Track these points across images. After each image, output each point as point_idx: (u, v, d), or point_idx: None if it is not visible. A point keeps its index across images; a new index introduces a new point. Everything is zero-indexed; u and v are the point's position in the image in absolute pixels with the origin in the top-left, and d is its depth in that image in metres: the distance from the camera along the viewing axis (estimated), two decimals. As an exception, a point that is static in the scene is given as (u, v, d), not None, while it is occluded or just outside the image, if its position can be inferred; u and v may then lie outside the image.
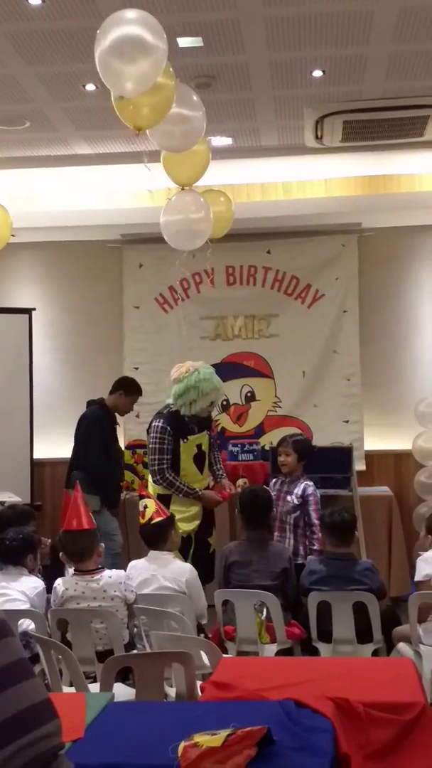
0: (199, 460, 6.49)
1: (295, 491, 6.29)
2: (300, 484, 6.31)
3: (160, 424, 6.40)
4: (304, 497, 6.23)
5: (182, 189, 5.59)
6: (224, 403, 8.97)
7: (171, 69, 4.41)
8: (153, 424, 6.50)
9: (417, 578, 5.18)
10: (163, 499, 6.16)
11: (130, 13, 4.02)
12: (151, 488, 6.45)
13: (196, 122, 4.85)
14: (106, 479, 7.44)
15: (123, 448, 8.30)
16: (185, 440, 6.42)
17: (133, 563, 5.40)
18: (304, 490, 6.26)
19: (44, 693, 1.79)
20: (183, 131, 4.79)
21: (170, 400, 6.49)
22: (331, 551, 5.37)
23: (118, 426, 7.91)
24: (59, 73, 6.07)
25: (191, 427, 6.47)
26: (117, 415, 7.85)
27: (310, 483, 6.34)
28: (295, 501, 6.24)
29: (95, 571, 4.87)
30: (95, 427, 7.57)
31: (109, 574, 4.86)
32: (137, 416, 8.55)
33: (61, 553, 5.11)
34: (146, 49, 3.94)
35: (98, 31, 4.01)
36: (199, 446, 6.51)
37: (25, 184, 8.01)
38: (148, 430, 6.65)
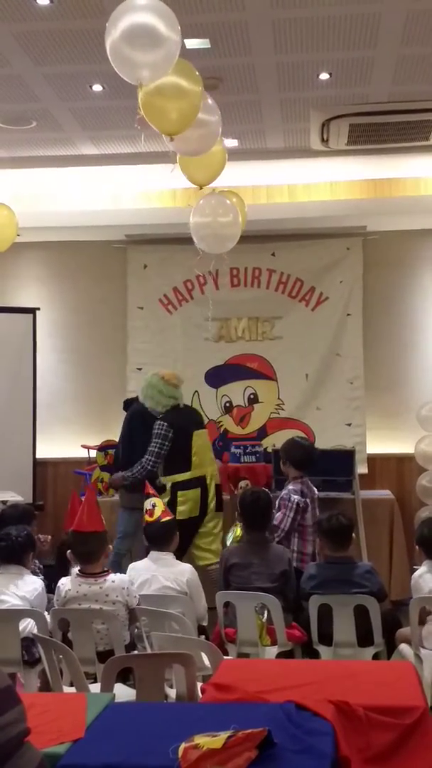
0: None
1: (282, 494, 6.34)
2: (283, 489, 6.38)
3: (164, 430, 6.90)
4: (279, 506, 6.26)
5: (200, 188, 5.63)
6: (227, 404, 8.98)
7: (197, 73, 4.43)
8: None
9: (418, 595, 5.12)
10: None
11: (141, 1, 3.97)
12: None
13: (213, 126, 4.85)
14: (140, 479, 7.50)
15: None
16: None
17: (132, 565, 5.40)
18: (282, 494, 6.31)
19: (5, 680, 1.77)
20: (200, 135, 4.78)
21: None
22: (329, 555, 5.37)
23: None
24: (66, 74, 6.08)
25: None
26: None
27: (291, 487, 6.34)
28: (277, 503, 6.29)
29: (100, 574, 4.85)
30: (140, 425, 7.53)
31: (113, 579, 4.84)
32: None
33: (68, 552, 5.09)
34: (159, 36, 3.90)
35: (108, 21, 3.96)
36: None
37: (30, 184, 8.02)
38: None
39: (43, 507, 8.76)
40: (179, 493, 6.77)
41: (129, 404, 7.71)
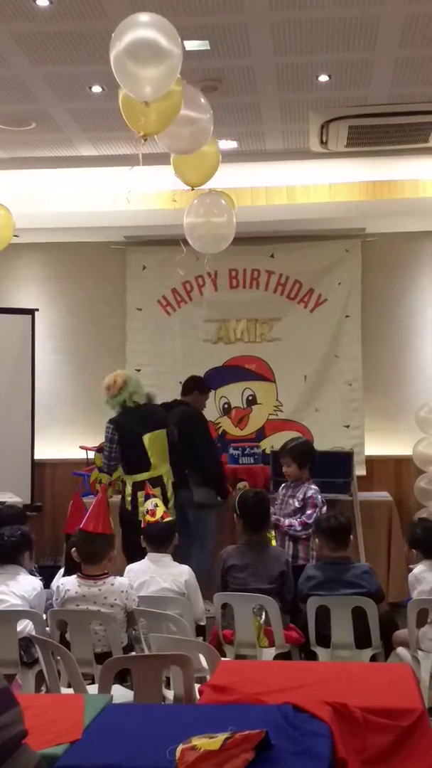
0: None
1: (298, 495, 6.30)
2: (302, 487, 6.33)
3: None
4: (304, 500, 6.24)
5: (192, 190, 5.62)
6: (225, 406, 8.98)
7: (178, 74, 4.42)
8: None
9: (413, 596, 5.14)
10: None
11: (144, 17, 4.01)
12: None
13: (204, 123, 4.86)
14: (222, 472, 7.60)
15: None
16: None
17: (130, 567, 5.39)
18: (305, 493, 6.27)
19: (2, 682, 1.76)
20: (191, 132, 4.80)
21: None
22: (327, 555, 5.36)
23: None
24: (65, 75, 6.09)
25: None
26: None
27: (314, 487, 6.34)
28: (297, 504, 6.26)
29: (100, 576, 4.83)
30: (202, 423, 7.66)
31: (113, 582, 4.81)
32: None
33: (73, 550, 5.08)
34: (162, 52, 3.93)
35: (113, 35, 3.98)
36: None
37: (29, 185, 8.02)
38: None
39: (41, 508, 8.76)
40: (138, 493, 6.78)
41: (170, 407, 7.70)
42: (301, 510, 6.26)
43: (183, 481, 7.24)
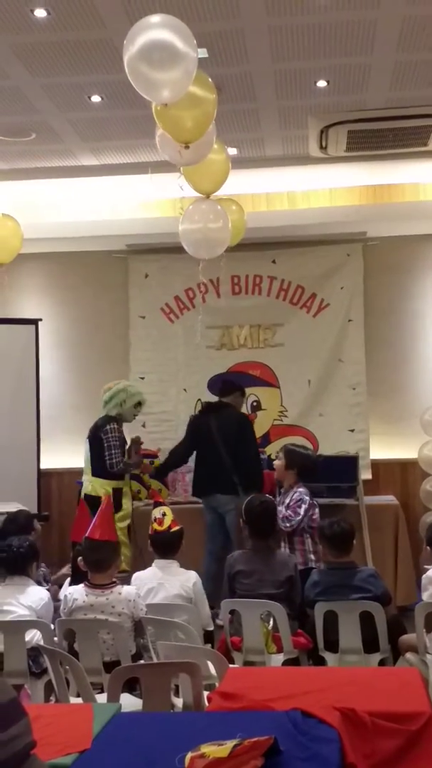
0: None
1: (286, 501, 6.32)
2: (290, 493, 6.36)
3: (113, 425, 7.33)
4: (290, 505, 6.26)
5: (207, 197, 5.66)
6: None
7: (210, 80, 4.44)
8: (107, 426, 7.33)
9: (424, 598, 5.13)
10: (116, 493, 7.12)
11: (156, 18, 3.92)
12: (103, 487, 7.15)
13: (207, 134, 4.86)
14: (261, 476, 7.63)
15: None
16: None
17: (137, 575, 5.39)
18: (291, 497, 6.29)
19: (10, 692, 1.76)
20: (194, 144, 4.80)
21: (103, 412, 7.46)
22: (332, 561, 5.37)
23: None
24: (65, 85, 6.10)
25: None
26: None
27: (301, 490, 6.36)
28: (284, 511, 6.28)
29: (107, 585, 4.83)
30: (249, 426, 7.73)
31: (120, 591, 4.81)
32: (143, 425, 8.59)
33: (79, 558, 5.10)
34: (177, 54, 3.89)
35: (126, 39, 3.90)
36: None
37: (31, 195, 8.04)
38: (96, 433, 7.37)
39: (48, 517, 8.76)
40: None
41: (215, 408, 7.81)
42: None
43: (231, 486, 7.36)
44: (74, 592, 4.86)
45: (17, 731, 1.70)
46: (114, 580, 4.90)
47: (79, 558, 5.08)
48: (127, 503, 7.35)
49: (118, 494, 7.19)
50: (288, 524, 6.25)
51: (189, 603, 5.15)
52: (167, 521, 5.41)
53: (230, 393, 7.88)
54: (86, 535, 5.05)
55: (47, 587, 5.45)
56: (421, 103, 6.54)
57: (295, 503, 6.34)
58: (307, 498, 6.38)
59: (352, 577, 5.22)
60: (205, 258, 5.90)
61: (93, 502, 6.56)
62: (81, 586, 4.89)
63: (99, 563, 4.89)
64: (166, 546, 5.37)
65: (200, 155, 4.91)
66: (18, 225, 6.62)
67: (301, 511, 6.27)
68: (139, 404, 7.56)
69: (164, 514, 5.43)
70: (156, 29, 3.88)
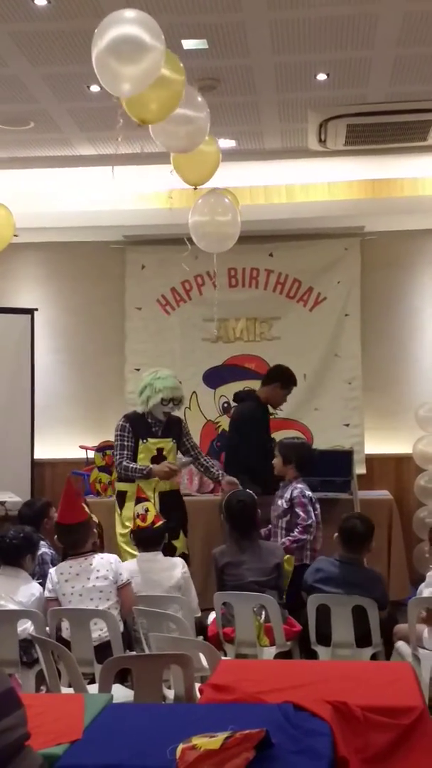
0: (156, 462, 6.51)
1: (285, 495, 6.30)
2: (289, 487, 6.32)
3: (121, 423, 6.64)
4: (291, 500, 6.23)
5: (195, 189, 5.63)
6: (225, 405, 8.97)
7: (181, 64, 4.39)
8: (119, 423, 6.67)
9: (426, 593, 5.13)
10: (120, 496, 6.56)
11: (129, 13, 3.97)
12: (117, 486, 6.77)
13: (201, 122, 4.84)
14: (266, 477, 7.35)
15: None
16: (144, 441, 6.56)
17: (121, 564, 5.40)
18: (291, 492, 6.27)
19: (6, 683, 1.75)
20: (187, 131, 4.78)
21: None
22: (342, 554, 5.36)
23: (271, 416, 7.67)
24: (64, 74, 6.08)
25: (154, 430, 6.60)
26: None
27: (301, 486, 6.30)
28: (284, 505, 6.25)
29: (87, 553, 5.08)
30: (253, 425, 7.31)
31: (101, 556, 5.08)
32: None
33: (56, 537, 5.35)
34: (144, 49, 3.90)
35: (95, 31, 3.97)
36: (160, 450, 6.58)
37: (28, 185, 8.01)
38: None
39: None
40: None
41: (241, 398, 7.57)
42: (289, 511, 6.23)
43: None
44: (57, 569, 5.06)
45: (12, 722, 1.69)
46: (93, 548, 5.15)
47: (56, 537, 5.34)
48: (128, 508, 6.24)
49: (121, 496, 6.57)
50: (310, 535, 6.15)
51: (178, 591, 5.20)
52: (150, 517, 5.41)
53: (268, 383, 7.47)
54: (57, 521, 5.29)
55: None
56: (421, 98, 6.53)
57: (300, 506, 6.19)
58: (309, 494, 6.27)
59: (354, 575, 5.22)
60: (215, 252, 5.88)
61: (118, 496, 6.61)
62: (64, 562, 5.12)
63: (76, 543, 5.13)
64: (150, 541, 5.40)
65: (193, 143, 4.90)
66: (10, 214, 6.55)
67: (313, 514, 6.20)
68: (166, 401, 6.51)
69: (147, 510, 5.44)
70: (125, 24, 3.93)
